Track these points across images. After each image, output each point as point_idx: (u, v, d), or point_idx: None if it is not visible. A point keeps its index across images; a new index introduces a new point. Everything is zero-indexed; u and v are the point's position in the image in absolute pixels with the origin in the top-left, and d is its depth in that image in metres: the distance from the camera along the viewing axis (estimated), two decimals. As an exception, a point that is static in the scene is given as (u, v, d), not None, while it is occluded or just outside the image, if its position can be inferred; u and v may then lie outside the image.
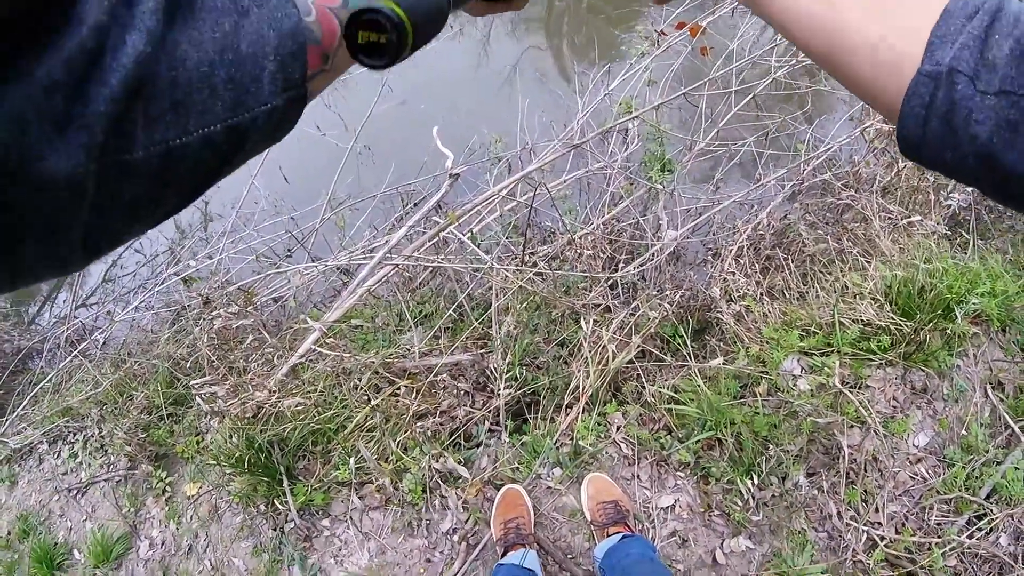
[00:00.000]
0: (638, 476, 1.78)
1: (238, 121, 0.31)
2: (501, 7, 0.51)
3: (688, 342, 1.83)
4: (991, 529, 1.70)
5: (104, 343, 2.92)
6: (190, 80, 0.28)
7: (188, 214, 3.17)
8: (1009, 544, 1.70)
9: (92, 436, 2.93)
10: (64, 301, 3.94)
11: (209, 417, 2.18)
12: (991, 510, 1.70)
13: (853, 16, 0.39)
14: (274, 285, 2.04)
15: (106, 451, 2.81)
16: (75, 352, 3.06)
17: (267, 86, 0.32)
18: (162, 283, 2.42)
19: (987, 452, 1.83)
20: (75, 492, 2.88)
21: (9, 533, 2.91)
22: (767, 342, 1.93)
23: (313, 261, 1.90)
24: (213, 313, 2.10)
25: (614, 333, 1.67)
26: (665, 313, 1.76)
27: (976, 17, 0.34)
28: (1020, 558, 1.67)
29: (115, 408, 2.75)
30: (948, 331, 1.96)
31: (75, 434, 3.03)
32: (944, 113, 0.34)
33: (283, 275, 1.99)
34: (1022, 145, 0.32)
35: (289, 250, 2.12)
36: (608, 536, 1.62)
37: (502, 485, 1.73)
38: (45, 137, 0.23)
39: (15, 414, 3.37)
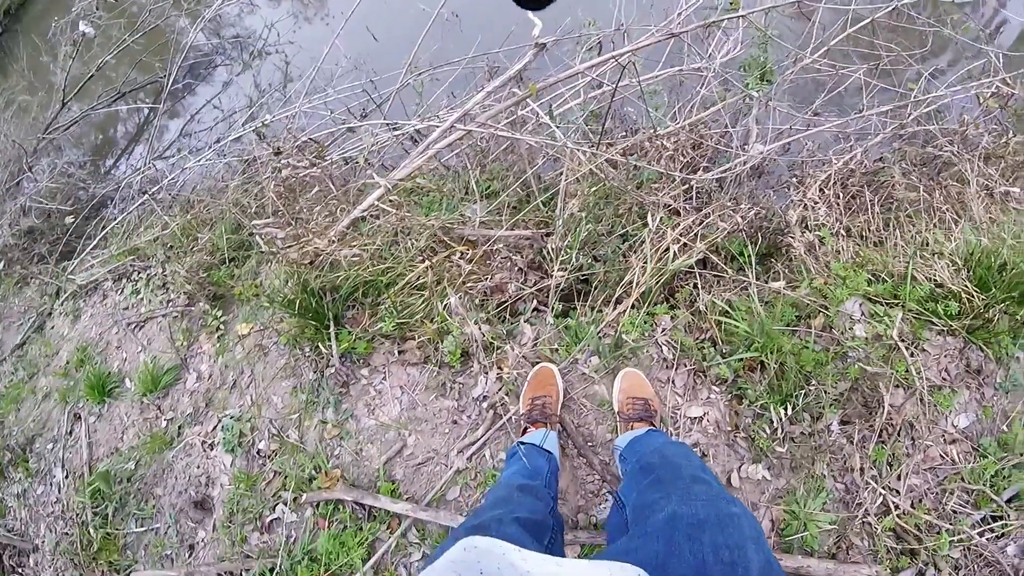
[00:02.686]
0: (673, 381, 1.78)
1: None
2: None
3: (753, 262, 1.77)
4: (1003, 534, 1.63)
5: (176, 190, 3.05)
6: None
7: (268, 73, 3.21)
8: (1015, 555, 1.63)
9: (155, 275, 3.10)
10: (140, 153, 4.12)
11: (267, 261, 2.28)
12: (1008, 515, 1.62)
13: None
14: (346, 144, 2.06)
15: (167, 289, 2.99)
16: (147, 196, 3.20)
17: None
18: (238, 133, 2.47)
19: (1022, 455, 1.74)
20: (133, 326, 3.08)
21: (67, 363, 3.16)
22: (834, 278, 1.85)
23: (388, 122, 1.90)
24: (282, 162, 2.14)
25: (679, 235, 1.63)
26: (736, 226, 1.70)
27: None
28: (1021, 573, 1.61)
29: (180, 249, 2.90)
30: (1018, 317, 1.83)
31: (139, 272, 3.22)
32: None
33: (356, 134, 2.00)
34: None
35: (364, 111, 2.12)
36: (632, 430, 1.63)
37: (538, 362, 1.76)
38: None
39: (84, 255, 3.60)
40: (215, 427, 2.45)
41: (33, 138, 4.01)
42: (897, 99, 2.10)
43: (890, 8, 2.05)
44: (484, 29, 2.18)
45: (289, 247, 1.98)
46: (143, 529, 2.40)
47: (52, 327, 3.47)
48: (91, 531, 2.41)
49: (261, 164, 2.21)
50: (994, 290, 1.82)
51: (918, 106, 2.11)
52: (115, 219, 3.53)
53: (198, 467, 2.40)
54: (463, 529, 0.99)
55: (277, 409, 2.26)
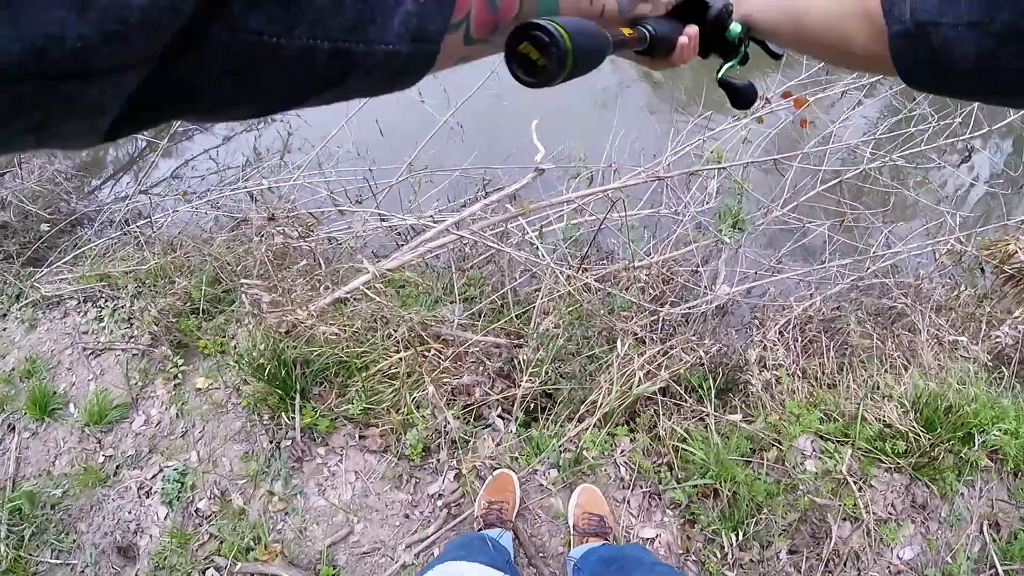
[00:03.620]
0: (628, 501, 1.82)
1: (349, 48, 0.26)
2: (660, 64, 0.55)
3: (712, 394, 1.86)
4: (947, 664, 1.69)
5: (160, 227, 3.05)
6: None
7: (269, 139, 3.30)
8: None
9: (123, 307, 3.04)
10: (127, 183, 4.11)
11: (239, 323, 2.28)
12: None
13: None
14: (334, 225, 2.12)
15: (132, 324, 2.92)
16: (131, 227, 3.19)
17: (397, 25, 0.27)
18: (234, 189, 2.53)
19: None
20: (90, 352, 2.98)
21: (13, 370, 3.03)
22: (788, 415, 1.95)
23: (380, 213, 1.98)
24: (276, 228, 2.19)
25: (645, 362, 1.71)
26: (698, 360, 1.79)
27: None
28: None
29: (154, 287, 2.86)
30: (962, 455, 1.96)
31: (107, 300, 3.14)
32: (929, 59, 0.36)
33: (345, 219, 2.07)
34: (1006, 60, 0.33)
35: (360, 197, 2.20)
36: (587, 543, 1.65)
37: (498, 467, 1.78)
38: None
39: (53, 267, 3.52)
40: (155, 475, 2.36)
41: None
42: (857, 253, 2.30)
43: (858, 171, 2.27)
44: (484, 141, 2.33)
45: (271, 312, 2.00)
46: (59, 562, 2.25)
47: (4, 328, 3.33)
48: (2, 548, 2.25)
49: (251, 226, 2.25)
50: (940, 430, 1.95)
51: (876, 260, 2.31)
52: (91, 241, 3.48)
53: (129, 512, 2.30)
54: (425, 571, 0.99)
55: (225, 471, 2.20)
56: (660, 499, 1.82)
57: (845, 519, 1.92)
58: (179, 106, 0.24)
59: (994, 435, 1.94)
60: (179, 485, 2.22)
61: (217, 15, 0.21)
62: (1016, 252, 2.29)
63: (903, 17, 0.36)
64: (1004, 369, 2.24)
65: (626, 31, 0.46)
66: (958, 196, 3.06)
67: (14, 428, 2.74)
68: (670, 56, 0.54)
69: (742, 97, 0.60)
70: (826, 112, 2.55)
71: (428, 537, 1.81)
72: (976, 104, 2.48)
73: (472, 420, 1.82)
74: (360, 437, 1.91)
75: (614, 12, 0.47)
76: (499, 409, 1.78)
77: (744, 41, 0.58)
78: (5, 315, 3.43)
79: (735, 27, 0.57)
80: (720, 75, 0.59)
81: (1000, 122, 2.67)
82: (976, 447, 1.91)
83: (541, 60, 0.33)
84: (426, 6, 0.27)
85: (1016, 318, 2.25)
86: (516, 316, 1.77)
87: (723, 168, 1.84)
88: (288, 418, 1.97)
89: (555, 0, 0.39)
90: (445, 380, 1.75)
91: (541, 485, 1.79)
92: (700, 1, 0.56)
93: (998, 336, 2.00)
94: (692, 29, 0.55)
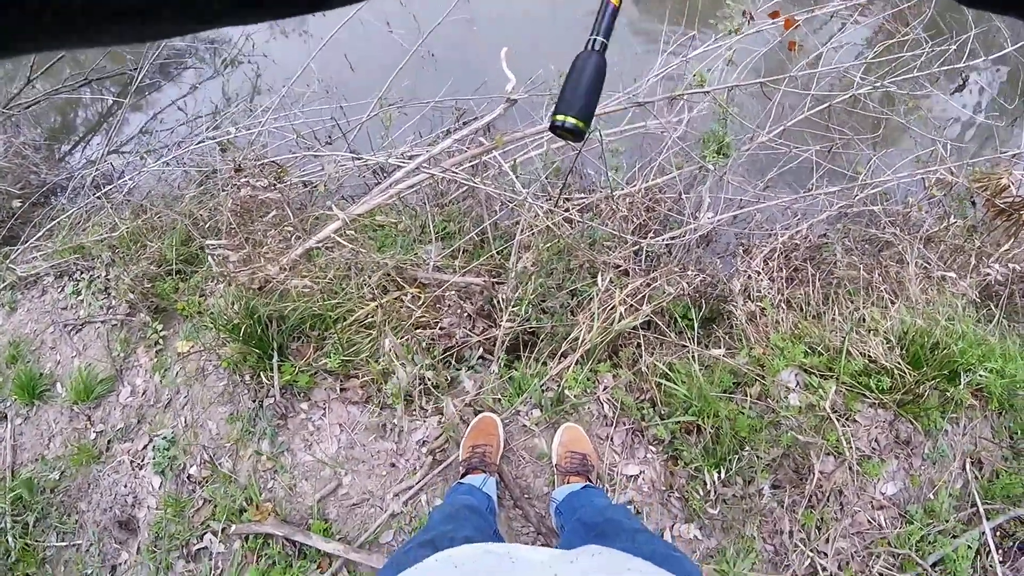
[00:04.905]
0: (612, 439, 1.80)
1: None
2: None
3: (696, 326, 1.82)
4: (928, 597, 1.72)
5: (129, 191, 2.95)
6: None
7: (237, 82, 3.15)
8: (939, 617, 1.72)
9: (98, 277, 2.97)
10: (98, 144, 3.97)
11: (216, 280, 2.21)
12: None
13: None
14: (308, 168, 2.03)
15: (109, 294, 2.87)
16: (99, 193, 3.09)
17: None
18: (199, 142, 2.42)
19: (947, 522, 1.84)
20: (70, 328, 2.95)
21: None
22: (772, 348, 1.92)
23: (352, 154, 1.89)
24: (242, 180, 2.10)
25: (627, 296, 1.67)
26: (682, 291, 1.75)
27: None
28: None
29: (127, 254, 2.79)
30: (948, 394, 1.95)
31: (82, 273, 3.08)
32: None
33: (318, 161, 1.98)
34: None
35: (330, 138, 2.10)
36: (569, 483, 1.64)
37: (481, 410, 1.76)
38: None
39: (28, 244, 3.43)
40: (146, 446, 2.36)
41: (-7, 111, 3.82)
42: (846, 180, 2.22)
43: (847, 96, 2.17)
44: (458, 70, 2.20)
45: (240, 270, 1.94)
46: (64, 544, 2.28)
47: (-13, 315, 3.28)
48: (10, 539, 2.27)
49: (220, 178, 2.16)
50: (926, 368, 1.93)
51: (865, 188, 2.23)
52: (65, 211, 3.38)
53: (125, 486, 2.31)
54: (415, 544, 0.99)
55: (212, 435, 2.19)
56: (643, 436, 1.81)
57: (828, 454, 1.92)
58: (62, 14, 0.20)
59: (980, 375, 1.92)
60: (169, 454, 2.22)
61: None
62: (1008, 186, 2.22)
63: None
64: (992, 306, 2.20)
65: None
66: (950, 125, 2.97)
67: (6, 416, 2.73)
68: None
69: None
70: (816, 34, 2.42)
71: (415, 484, 1.81)
72: (972, 32, 2.37)
73: (454, 362, 1.78)
74: (341, 390, 1.88)
75: None
76: (481, 350, 1.74)
77: None
78: (-14, 302, 3.37)
79: None
80: None
81: (996, 52, 2.56)
82: (962, 386, 1.89)
83: (572, 138, 0.52)
84: None
85: (1006, 252, 2.20)
86: (497, 252, 1.72)
87: (706, 92, 1.75)
88: (267, 377, 1.93)
89: None
90: (423, 325, 1.71)
91: (524, 426, 1.77)
92: None
93: (987, 271, 1.95)
94: None
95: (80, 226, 3.29)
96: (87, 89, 4.26)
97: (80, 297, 3.00)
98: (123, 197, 2.91)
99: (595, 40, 0.53)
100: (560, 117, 0.49)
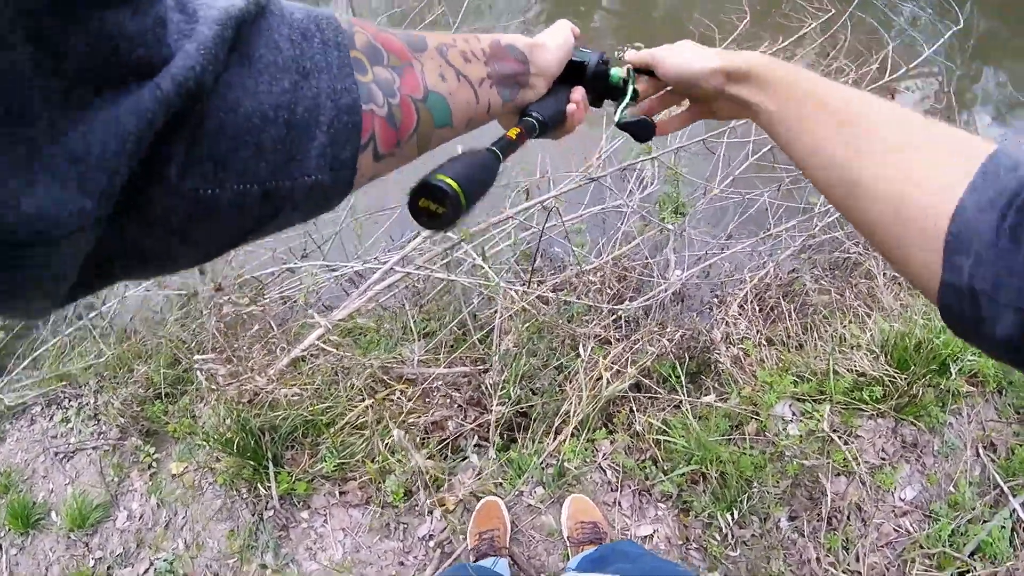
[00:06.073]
0: (619, 503, 1.79)
1: (276, 187, 0.28)
2: (559, 134, 0.58)
3: (683, 380, 1.85)
4: (974, 586, 1.69)
5: (112, 318, 2.98)
6: (238, 130, 0.25)
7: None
8: (991, 605, 1.68)
9: (87, 404, 2.96)
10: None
11: (205, 399, 2.22)
12: (975, 567, 1.70)
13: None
14: (286, 284, 2.09)
15: (99, 420, 2.85)
16: (79, 323, 3.11)
17: (314, 158, 0.29)
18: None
19: (974, 509, 1.82)
20: (62, 456, 2.91)
21: None
22: (761, 385, 1.95)
23: (328, 265, 1.95)
24: (224, 299, 2.15)
25: (611, 363, 1.70)
26: (664, 349, 1.79)
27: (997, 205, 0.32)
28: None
29: (114, 379, 2.79)
30: (942, 386, 1.97)
31: (70, 400, 3.07)
32: (972, 319, 0.34)
33: (295, 275, 2.04)
34: None
35: (305, 252, 2.17)
36: (583, 551, 1.62)
37: (483, 497, 1.75)
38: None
39: (15, 373, 3.41)
40: (147, 570, 2.30)
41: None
42: (801, 213, 2.32)
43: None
44: (423, 171, 2.28)
45: (229, 384, 1.95)
46: None
47: (-25, 448, 3.22)
48: None
49: (202, 298, 2.21)
50: (914, 367, 1.96)
51: (822, 216, 2.34)
52: (48, 340, 3.39)
53: (130, 615, 2.22)
54: None
55: (213, 553, 2.14)
56: (650, 494, 1.80)
57: (838, 474, 1.92)
58: (129, 266, 0.26)
59: (968, 360, 1.96)
60: (172, 576, 2.15)
61: (157, 181, 0.24)
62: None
63: (960, 272, 0.34)
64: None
65: (513, 132, 0.48)
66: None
67: (0, 547, 2.66)
68: (564, 124, 0.56)
69: (642, 132, 0.62)
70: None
71: (427, 581, 1.76)
72: (889, 48, 2.55)
73: (450, 454, 1.78)
74: (340, 493, 1.86)
75: (498, 106, 0.48)
76: (476, 438, 1.75)
77: (629, 78, 0.60)
78: (-26, 435, 3.33)
79: (616, 72, 0.60)
80: (617, 119, 0.61)
81: (915, 60, 2.73)
82: (953, 375, 1.93)
83: (439, 209, 0.38)
84: (336, 136, 0.30)
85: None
86: (479, 340, 1.75)
87: (655, 158, 1.86)
88: (264, 488, 1.91)
89: (446, 108, 0.41)
90: (415, 419, 1.72)
91: (530, 505, 1.76)
92: (577, 64, 0.57)
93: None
94: (578, 93, 0.57)
95: (66, 355, 3.30)
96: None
97: (70, 425, 2.98)
98: (107, 323, 2.93)
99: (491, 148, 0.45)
100: (440, 176, 0.38)
